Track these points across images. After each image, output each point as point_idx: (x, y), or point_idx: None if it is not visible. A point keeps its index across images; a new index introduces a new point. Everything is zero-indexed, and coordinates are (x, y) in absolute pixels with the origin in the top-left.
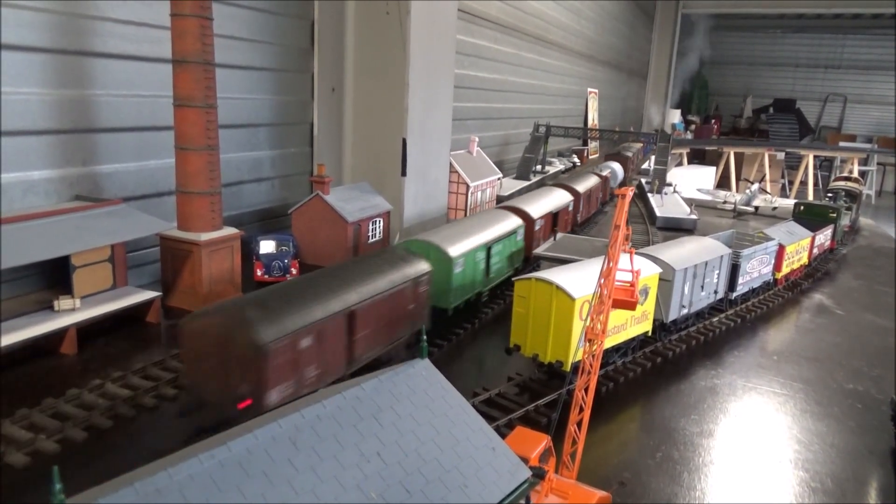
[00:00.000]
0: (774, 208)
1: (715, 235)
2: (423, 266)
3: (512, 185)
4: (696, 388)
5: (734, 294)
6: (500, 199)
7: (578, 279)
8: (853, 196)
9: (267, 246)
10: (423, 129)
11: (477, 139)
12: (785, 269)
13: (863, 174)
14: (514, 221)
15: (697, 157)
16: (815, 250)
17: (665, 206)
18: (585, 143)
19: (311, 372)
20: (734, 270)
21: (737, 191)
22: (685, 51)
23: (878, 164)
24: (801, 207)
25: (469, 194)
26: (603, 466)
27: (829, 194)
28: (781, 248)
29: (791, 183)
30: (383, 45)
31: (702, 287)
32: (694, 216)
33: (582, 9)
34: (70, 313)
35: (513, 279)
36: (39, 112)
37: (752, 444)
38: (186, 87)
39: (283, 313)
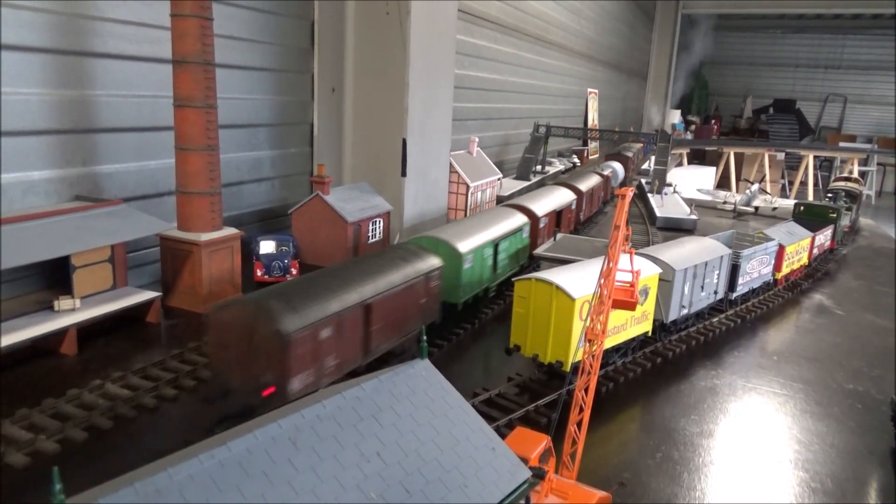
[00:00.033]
0: (774, 209)
1: (715, 236)
2: (434, 261)
3: (512, 185)
4: (696, 388)
5: (734, 294)
6: (499, 200)
7: (578, 279)
8: (853, 196)
9: (267, 246)
10: (423, 129)
11: (477, 139)
12: (785, 270)
13: (863, 174)
14: (519, 219)
15: (697, 158)
16: (815, 251)
17: (665, 206)
18: (585, 144)
19: (331, 362)
20: (734, 271)
21: (737, 191)
22: (685, 51)
23: (878, 164)
24: (801, 208)
25: (469, 194)
26: (603, 467)
27: (829, 195)
28: (781, 248)
29: (791, 183)
30: (383, 46)
31: (702, 287)
32: (694, 216)
33: (582, 9)
34: (70, 313)
35: (513, 279)
36: (39, 112)
37: (752, 444)
38: (186, 88)
39: (304, 305)
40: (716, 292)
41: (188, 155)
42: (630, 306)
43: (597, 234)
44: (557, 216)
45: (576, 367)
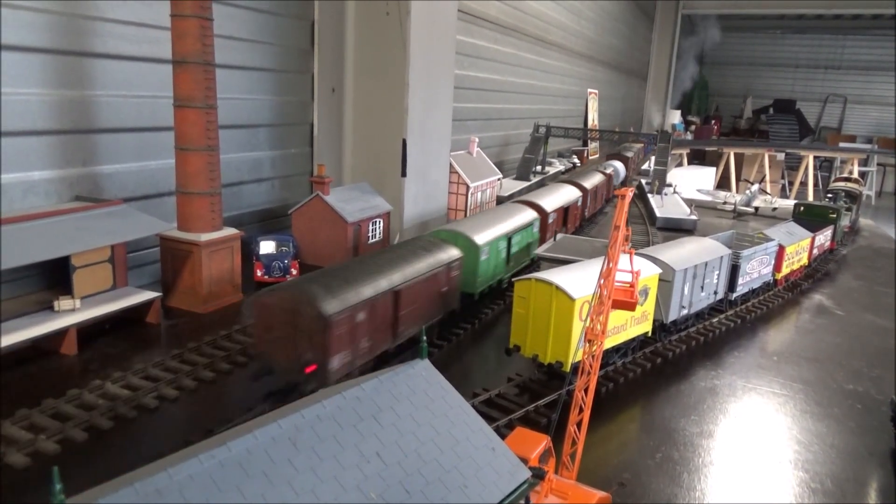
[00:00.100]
0: (774, 209)
1: (715, 236)
2: (455, 253)
3: (512, 185)
4: (695, 388)
5: (734, 295)
6: (499, 200)
7: (578, 280)
8: (853, 197)
9: (267, 246)
10: (423, 129)
11: (477, 140)
12: (785, 270)
13: (863, 175)
14: (530, 214)
15: (697, 158)
16: (815, 251)
17: (665, 206)
18: (585, 144)
19: (364, 343)
20: (734, 271)
21: (737, 191)
22: (685, 51)
23: (878, 164)
24: (801, 208)
25: (469, 195)
26: (603, 467)
27: (829, 195)
28: (781, 248)
29: (791, 183)
30: (383, 46)
31: (702, 288)
32: (694, 217)
33: (582, 9)
34: (70, 314)
35: (513, 280)
36: (39, 112)
37: (752, 444)
38: (186, 88)
39: (342, 290)
40: (716, 292)
41: (188, 155)
42: (630, 307)
43: (597, 235)
44: (565, 212)
45: (576, 368)
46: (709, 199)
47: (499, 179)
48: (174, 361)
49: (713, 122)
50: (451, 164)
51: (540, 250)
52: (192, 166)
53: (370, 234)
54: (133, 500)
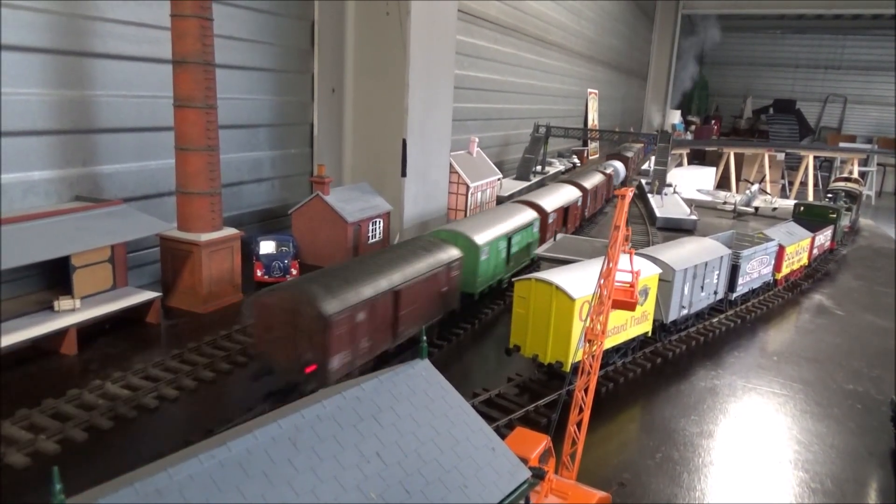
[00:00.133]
0: (774, 209)
1: (715, 236)
2: (454, 253)
3: (512, 185)
4: (695, 388)
5: (734, 295)
6: (499, 200)
7: (578, 280)
8: (853, 197)
9: (267, 246)
10: (423, 129)
11: (477, 140)
12: (785, 270)
13: (863, 175)
14: (530, 214)
15: (697, 158)
16: (815, 251)
17: (665, 206)
18: (585, 144)
19: (365, 343)
20: (734, 271)
21: (737, 191)
22: (685, 51)
23: (878, 164)
24: (801, 208)
25: (469, 195)
26: (603, 467)
27: (829, 195)
28: (781, 248)
29: (791, 183)
30: (383, 46)
31: (702, 288)
32: (694, 217)
33: (582, 9)
34: (70, 314)
35: (512, 280)
36: (39, 112)
37: (752, 444)
38: (186, 88)
39: (342, 290)
40: (716, 293)
41: (188, 155)
42: (630, 307)
43: (597, 235)
44: (565, 212)
45: (575, 368)
46: (709, 199)
47: (499, 179)
48: (174, 361)
49: (713, 122)
50: (451, 164)
51: (540, 250)
52: (192, 166)
53: (370, 234)
54: (133, 500)
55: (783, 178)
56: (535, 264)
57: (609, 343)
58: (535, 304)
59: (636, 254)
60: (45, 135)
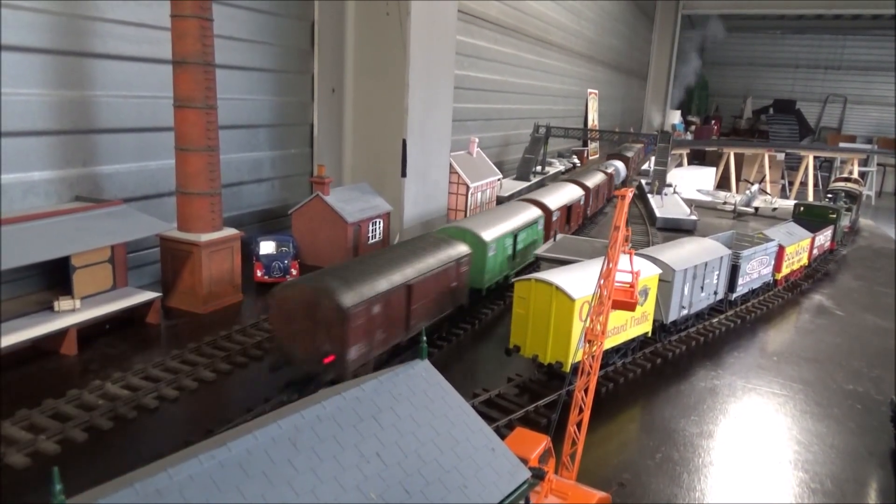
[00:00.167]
0: (774, 209)
1: (715, 236)
2: (463, 249)
3: (512, 185)
4: (695, 388)
5: (734, 295)
6: (499, 200)
7: (578, 280)
8: (853, 197)
9: (267, 247)
10: (423, 129)
11: (477, 140)
12: (785, 270)
13: (863, 175)
14: (534, 212)
15: (697, 158)
16: (815, 251)
17: (665, 206)
18: (585, 144)
19: (380, 335)
20: (734, 271)
21: (737, 192)
22: (686, 51)
23: (878, 164)
24: (801, 208)
25: (469, 195)
26: (603, 467)
27: (829, 195)
28: (781, 248)
29: (791, 184)
30: (383, 46)
31: (701, 288)
32: (694, 217)
33: (582, 10)
34: (70, 314)
35: (512, 280)
36: (40, 113)
37: (752, 445)
38: (186, 88)
39: (359, 284)
40: (716, 293)
41: (188, 156)
42: (630, 307)
43: (597, 235)
44: (568, 210)
45: (575, 368)
46: (709, 199)
47: (499, 180)
48: (174, 362)
49: (713, 122)
50: (451, 165)
51: (540, 251)
52: (192, 167)
53: (370, 235)
54: (133, 500)
55: (783, 178)
56: (536, 264)
57: (609, 343)
58: (535, 304)
59: (636, 254)
60: (46, 135)
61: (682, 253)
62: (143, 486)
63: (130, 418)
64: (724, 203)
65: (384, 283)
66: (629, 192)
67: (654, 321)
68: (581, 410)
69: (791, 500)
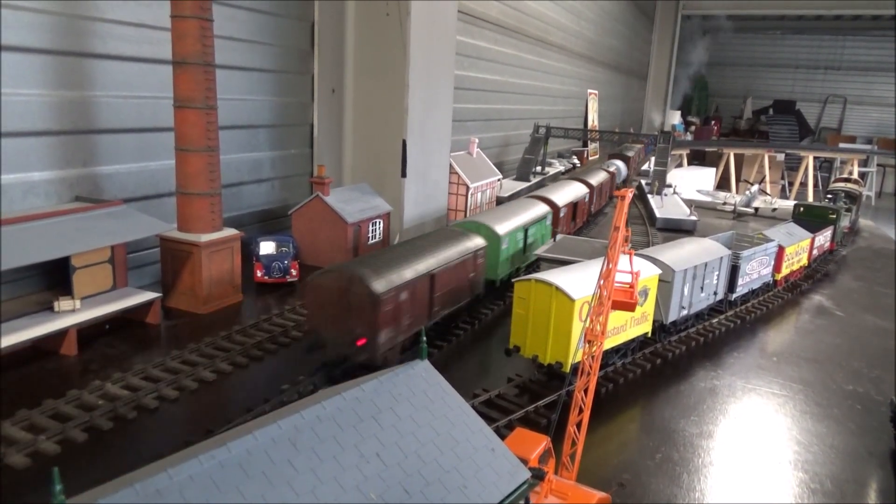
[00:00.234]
0: (774, 209)
1: (714, 237)
2: (480, 241)
3: (512, 186)
4: (695, 389)
5: (734, 295)
6: (500, 201)
7: (578, 280)
8: (853, 197)
9: (267, 247)
10: (423, 130)
11: (477, 140)
12: (784, 271)
13: (862, 175)
14: (543, 208)
15: (697, 159)
16: (815, 251)
17: (665, 207)
18: (585, 145)
19: (406, 320)
20: (734, 272)
21: (736, 192)
22: (686, 51)
23: (878, 165)
24: (801, 209)
25: (469, 195)
26: (602, 467)
27: (829, 196)
28: (781, 249)
29: (791, 184)
30: (383, 47)
31: (701, 288)
32: (694, 217)
33: (582, 10)
34: (70, 314)
35: (512, 280)
36: (40, 113)
37: (752, 445)
38: (187, 89)
39: (388, 272)
40: (715, 293)
41: (188, 156)
42: (629, 307)
43: (597, 235)
44: (574, 207)
45: (575, 368)
46: (708, 199)
47: (499, 180)
48: (174, 362)
49: (713, 122)
50: (451, 165)
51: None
52: (192, 167)
53: (370, 235)
54: (133, 500)
55: (783, 178)
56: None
57: (609, 344)
58: (535, 304)
59: (636, 254)
60: (46, 135)
61: (682, 253)
62: (143, 486)
63: (130, 418)
64: (724, 203)
65: (410, 272)
66: (629, 193)
67: (654, 321)
68: (581, 411)
69: (791, 500)
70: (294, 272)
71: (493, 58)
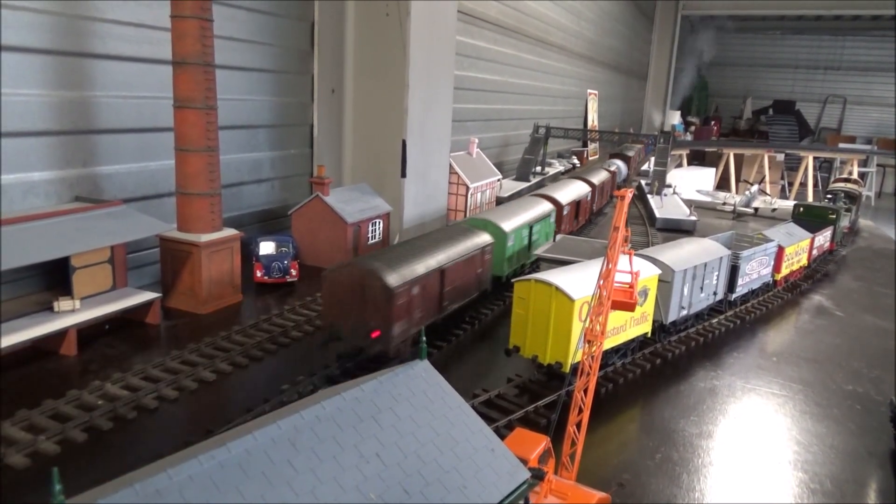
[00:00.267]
0: (774, 210)
1: (714, 237)
2: (487, 238)
3: (512, 186)
4: (695, 389)
5: (734, 295)
6: (499, 201)
7: (578, 280)
8: (852, 197)
9: (267, 247)
10: (422, 130)
11: (477, 140)
12: (784, 271)
13: (862, 175)
14: (547, 206)
15: (697, 159)
16: (815, 252)
17: (664, 207)
18: (585, 145)
19: (418, 314)
20: (733, 272)
21: (736, 192)
22: (685, 52)
23: (878, 165)
24: (801, 209)
25: (469, 195)
26: (602, 467)
27: (829, 196)
28: (781, 249)
29: (790, 184)
30: (383, 47)
31: (701, 288)
32: (693, 217)
33: (582, 10)
34: (70, 314)
35: (512, 280)
36: (39, 113)
37: (752, 445)
38: (186, 89)
39: (401, 267)
40: (715, 293)
41: (188, 156)
42: (629, 307)
43: (597, 235)
44: (577, 205)
45: (575, 368)
46: (708, 199)
47: (498, 180)
48: (174, 362)
49: (713, 122)
50: (450, 165)
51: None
52: (192, 167)
53: (370, 235)
54: (133, 500)
55: (783, 178)
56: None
57: (608, 344)
58: (535, 304)
59: (635, 255)
60: (45, 136)
61: (682, 253)
62: (143, 487)
63: (130, 419)
64: (724, 204)
65: (422, 267)
66: (628, 193)
67: (654, 322)
68: (581, 411)
69: (791, 500)
70: (294, 272)
71: (493, 58)
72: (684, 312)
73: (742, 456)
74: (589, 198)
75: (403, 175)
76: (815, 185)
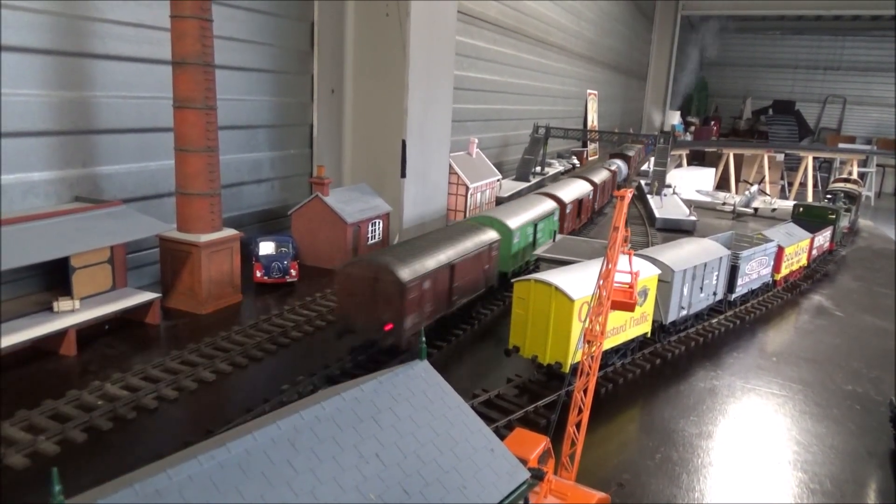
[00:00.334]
0: (774, 210)
1: (714, 237)
2: (494, 235)
3: (511, 186)
4: (695, 389)
5: (733, 295)
6: (499, 201)
7: (577, 281)
8: (852, 198)
9: (266, 247)
10: (422, 130)
11: (476, 140)
12: (784, 271)
13: (862, 176)
14: (550, 204)
15: (697, 159)
16: (815, 252)
17: (664, 207)
18: (585, 145)
19: (428, 307)
20: (733, 272)
21: (736, 192)
22: (685, 52)
23: (878, 165)
24: (801, 209)
25: (468, 196)
26: (602, 468)
27: (829, 196)
28: (780, 249)
29: (790, 184)
30: (383, 47)
31: (701, 288)
32: (693, 217)
33: (581, 10)
34: (69, 314)
35: (512, 280)
36: (39, 113)
37: (751, 445)
38: (186, 89)
39: (413, 262)
40: (715, 293)
41: (188, 156)
42: (629, 307)
43: (597, 235)
44: (579, 204)
45: (575, 369)
46: (708, 199)
47: (498, 180)
48: (174, 362)
49: (712, 122)
50: (450, 165)
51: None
52: (192, 167)
53: (370, 235)
54: (133, 500)
55: (782, 178)
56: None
57: (608, 344)
58: (535, 304)
59: (635, 255)
60: (45, 136)
61: (682, 253)
62: (143, 487)
63: (130, 419)
64: (724, 204)
65: (432, 262)
66: (628, 193)
67: (654, 322)
68: (580, 411)
69: (790, 500)
70: (293, 272)
71: (493, 58)
72: (684, 312)
73: (742, 456)
74: (591, 196)
75: (403, 175)
76: (815, 186)
